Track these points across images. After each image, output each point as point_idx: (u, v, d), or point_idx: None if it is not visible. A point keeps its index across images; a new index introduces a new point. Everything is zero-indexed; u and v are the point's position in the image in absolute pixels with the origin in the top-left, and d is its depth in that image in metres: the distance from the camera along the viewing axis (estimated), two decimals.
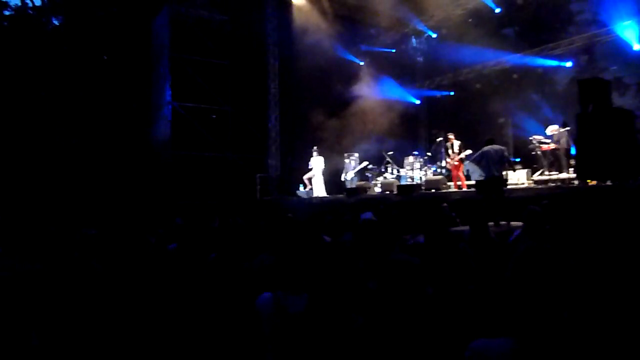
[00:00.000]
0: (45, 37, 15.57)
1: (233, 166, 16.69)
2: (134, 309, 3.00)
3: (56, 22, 16.45)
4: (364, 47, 19.01)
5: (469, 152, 12.59)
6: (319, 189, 14.93)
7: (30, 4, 15.90)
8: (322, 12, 17.11)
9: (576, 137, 9.84)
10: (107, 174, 14.68)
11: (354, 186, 14.87)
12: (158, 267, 4.09)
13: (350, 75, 17.61)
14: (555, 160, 11.84)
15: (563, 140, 11.52)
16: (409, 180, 14.72)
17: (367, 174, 15.89)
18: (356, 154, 16.00)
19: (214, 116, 16.81)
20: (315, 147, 15.02)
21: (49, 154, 14.25)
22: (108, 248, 4.62)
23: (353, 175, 15.46)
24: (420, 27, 19.20)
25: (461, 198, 10.66)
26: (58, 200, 13.10)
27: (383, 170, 15.64)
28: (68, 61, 15.13)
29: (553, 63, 15.40)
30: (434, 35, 19.54)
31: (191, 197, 14.82)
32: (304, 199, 14.96)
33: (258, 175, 16.56)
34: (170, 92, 15.62)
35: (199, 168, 15.62)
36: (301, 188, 15.58)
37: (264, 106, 17.25)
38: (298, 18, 17.06)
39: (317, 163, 14.92)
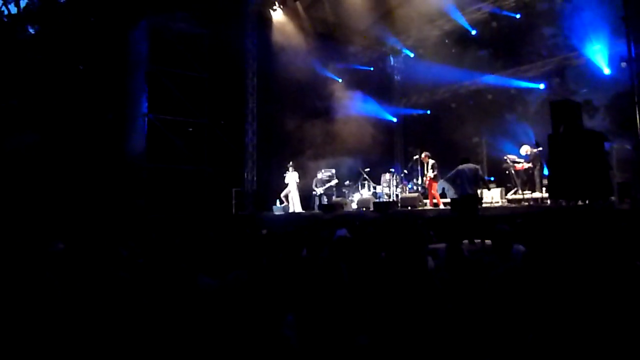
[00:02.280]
0: (19, 46, 15.26)
1: (209, 180, 16.51)
2: (106, 324, 2.88)
3: (32, 31, 16.15)
4: (342, 65, 19.16)
5: (435, 172, 12.77)
6: (295, 205, 14.86)
7: (6, 12, 15.59)
8: (301, 30, 17.22)
9: (548, 157, 10.06)
10: (80, 186, 14.33)
11: (324, 202, 14.88)
12: (130, 281, 3.97)
13: (328, 92, 17.72)
14: (528, 180, 12.06)
15: (536, 160, 11.77)
16: (385, 197, 14.78)
17: (343, 190, 15.91)
18: (333, 170, 16.01)
19: (191, 129, 16.65)
20: (290, 163, 14.99)
21: (19, 165, 13.85)
22: (77, 262, 4.47)
23: (322, 191, 15.40)
24: (398, 46, 19.50)
25: (436, 216, 10.74)
26: (26, 213, 12.70)
27: (360, 186, 15.68)
28: (42, 70, 14.82)
29: (526, 85, 15.79)
30: (412, 55, 19.85)
31: (166, 210, 14.58)
32: (280, 214, 14.87)
33: (234, 189, 16.40)
34: (146, 104, 15.45)
35: (175, 181, 15.40)
36: (277, 203, 15.49)
37: (241, 120, 17.16)
38: (277, 34, 17.12)
39: (292, 178, 14.88)
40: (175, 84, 15.86)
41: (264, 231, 7.96)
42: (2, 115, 14.46)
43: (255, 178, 17.06)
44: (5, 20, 15.60)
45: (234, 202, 16.26)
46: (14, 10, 15.66)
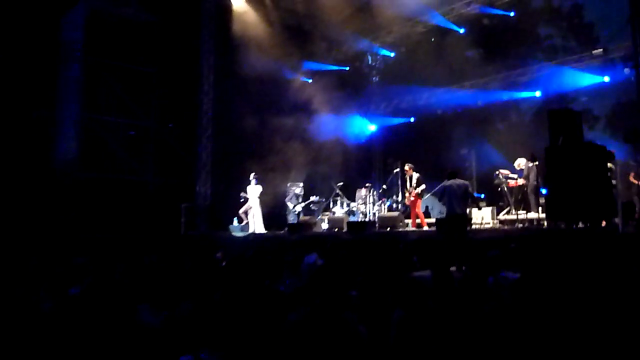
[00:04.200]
0: None
1: (154, 193, 16.21)
2: None
3: None
4: (313, 63, 19.21)
5: (423, 187, 12.86)
6: (257, 224, 14.70)
7: None
8: (266, 20, 17.21)
9: (545, 172, 10.25)
10: None
11: (298, 220, 14.81)
12: (57, 316, 3.80)
13: (297, 94, 17.70)
14: (523, 198, 12.25)
15: (532, 176, 11.96)
16: (361, 216, 14.77)
17: (312, 207, 15.84)
18: (301, 184, 15.94)
19: (133, 133, 16.34)
20: (253, 174, 14.84)
21: None
22: None
23: (300, 208, 15.41)
24: (377, 44, 19.68)
25: (419, 238, 10.75)
26: None
27: (331, 203, 15.64)
28: None
29: (521, 93, 16.08)
30: (392, 54, 20.07)
31: (101, 229, 14.18)
32: (238, 235, 14.67)
33: (183, 205, 16.11)
34: (80, 101, 15.08)
35: (112, 194, 15.05)
36: (235, 222, 15.29)
37: (193, 124, 16.96)
38: (238, 25, 17.03)
39: (254, 193, 14.72)
40: (116, 78, 15.59)
41: (219, 255, 7.80)
42: None
43: (209, 192, 16.82)
44: None
45: (183, 219, 15.97)
46: None
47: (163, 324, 3.59)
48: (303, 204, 15.54)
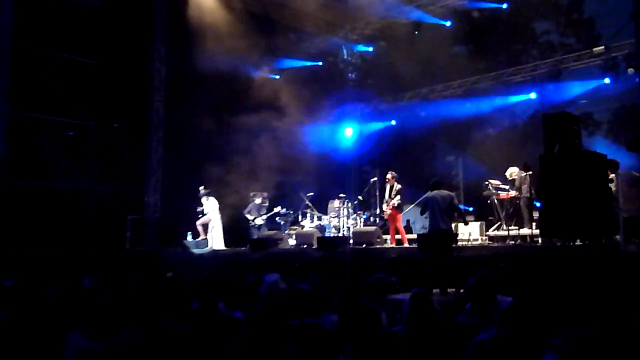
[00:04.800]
0: None
1: (95, 203, 15.96)
2: None
3: None
4: (281, 57, 19.23)
5: (398, 198, 12.91)
6: (216, 240, 14.62)
7: None
8: (228, 7, 17.14)
9: (539, 183, 10.42)
10: None
11: (262, 236, 14.74)
12: None
13: (262, 91, 17.68)
14: (515, 212, 12.41)
15: (525, 187, 12.13)
16: (334, 230, 14.79)
17: (279, 220, 15.80)
18: (265, 194, 15.89)
19: (72, 133, 16.10)
20: (202, 188, 14.82)
21: None
22: None
23: (262, 221, 15.35)
24: (354, 36, 19.80)
25: (399, 256, 10.83)
26: None
27: (300, 216, 15.63)
28: None
29: (515, 95, 16.29)
30: (370, 49, 20.22)
31: (32, 244, 13.92)
32: (193, 252, 14.56)
33: (130, 217, 15.92)
34: (9, 97, 14.82)
35: (46, 204, 14.78)
36: (189, 237, 15.16)
37: (143, 124, 16.79)
38: (195, 11, 16.93)
39: (211, 206, 14.67)
40: (52, 70, 15.33)
41: (170, 275, 7.74)
42: None
43: (159, 202, 16.65)
44: None
45: (128, 234, 15.77)
46: None
47: (100, 354, 3.54)
48: (265, 217, 15.47)
